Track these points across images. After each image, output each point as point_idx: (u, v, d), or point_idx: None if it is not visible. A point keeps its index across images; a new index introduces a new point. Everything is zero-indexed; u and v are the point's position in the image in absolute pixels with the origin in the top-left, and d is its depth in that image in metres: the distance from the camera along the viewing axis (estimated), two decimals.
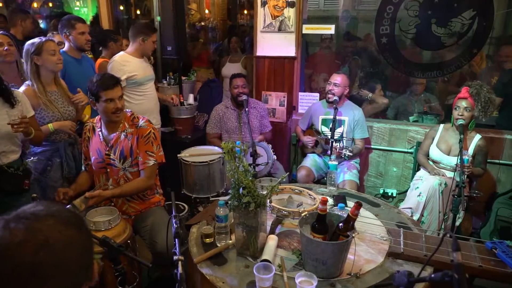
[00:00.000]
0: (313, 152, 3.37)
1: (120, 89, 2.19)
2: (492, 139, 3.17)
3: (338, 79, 3.18)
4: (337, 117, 3.20)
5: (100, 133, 2.30)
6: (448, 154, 2.84)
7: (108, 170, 2.29)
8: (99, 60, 3.54)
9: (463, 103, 2.70)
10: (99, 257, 0.91)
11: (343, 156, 2.93)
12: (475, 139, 2.78)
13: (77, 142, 2.60)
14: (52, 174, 2.49)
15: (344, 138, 3.19)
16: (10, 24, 3.87)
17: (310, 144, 3.28)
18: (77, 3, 6.55)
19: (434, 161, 2.94)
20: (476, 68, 3.76)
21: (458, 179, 2.34)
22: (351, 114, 3.24)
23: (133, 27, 3.22)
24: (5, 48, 2.63)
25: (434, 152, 2.90)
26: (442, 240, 1.11)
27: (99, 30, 4.23)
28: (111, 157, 2.26)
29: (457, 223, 2.62)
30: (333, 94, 3.17)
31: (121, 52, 3.21)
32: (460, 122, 2.67)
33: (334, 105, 3.11)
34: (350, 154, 2.91)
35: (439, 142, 2.91)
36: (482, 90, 2.66)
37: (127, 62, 3.11)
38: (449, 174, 2.83)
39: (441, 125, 2.95)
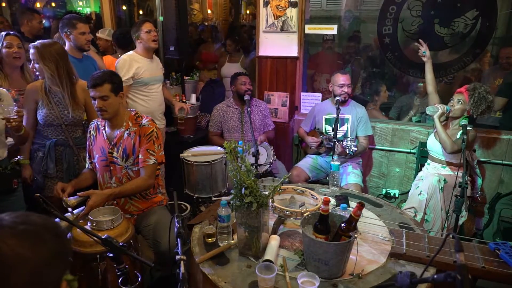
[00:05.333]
0: (317, 153, 3.36)
1: (103, 89, 2.12)
2: (495, 140, 3.16)
3: (346, 80, 3.17)
4: (342, 116, 3.21)
5: (104, 131, 2.30)
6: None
7: (111, 168, 2.30)
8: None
9: (458, 97, 2.77)
10: (73, 278, 0.86)
11: (348, 151, 2.93)
12: (460, 132, 2.77)
13: (71, 146, 2.57)
14: (34, 166, 2.54)
15: (348, 138, 3.18)
16: (20, 23, 3.90)
17: (314, 145, 3.28)
18: (80, 3, 6.57)
19: (428, 150, 2.97)
20: (485, 67, 3.74)
21: (461, 179, 2.34)
22: (354, 112, 3.24)
23: (133, 28, 3.22)
24: (14, 51, 2.65)
25: (430, 141, 2.93)
26: (445, 241, 1.11)
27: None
28: (114, 155, 2.27)
29: (460, 222, 2.62)
30: (347, 94, 3.18)
31: (130, 52, 3.21)
32: (450, 114, 2.77)
33: (337, 105, 3.10)
34: (355, 149, 2.91)
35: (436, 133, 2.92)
36: (480, 88, 2.70)
37: (134, 62, 3.11)
38: (441, 169, 2.84)
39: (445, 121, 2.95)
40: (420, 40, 3.02)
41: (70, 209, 2.02)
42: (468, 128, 2.62)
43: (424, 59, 3.00)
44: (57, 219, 1.50)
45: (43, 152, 2.52)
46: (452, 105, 2.78)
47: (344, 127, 3.26)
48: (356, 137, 3.29)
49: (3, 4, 5.25)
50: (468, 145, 2.71)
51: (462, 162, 2.41)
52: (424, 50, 2.99)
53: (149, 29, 3.13)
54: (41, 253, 0.81)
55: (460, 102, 2.74)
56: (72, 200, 2.04)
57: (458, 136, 2.74)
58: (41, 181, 2.54)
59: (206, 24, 6.87)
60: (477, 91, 2.68)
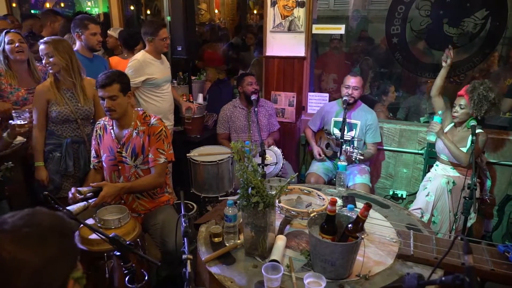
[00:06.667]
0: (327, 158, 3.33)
1: (112, 89, 2.14)
2: (504, 141, 3.12)
3: (355, 82, 3.11)
4: (350, 121, 3.18)
5: (112, 130, 2.32)
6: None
7: (120, 167, 2.31)
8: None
9: (460, 101, 2.72)
10: (80, 276, 0.87)
11: (353, 159, 2.90)
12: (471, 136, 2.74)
13: (85, 143, 2.62)
14: (51, 166, 2.56)
15: (355, 139, 3.16)
16: (42, 25, 3.94)
17: (318, 158, 3.26)
18: (89, 3, 6.61)
19: (437, 151, 2.94)
20: (495, 67, 3.70)
21: (469, 180, 2.32)
22: (363, 118, 3.20)
23: (145, 28, 3.20)
24: (16, 44, 2.70)
25: (439, 144, 2.88)
26: (453, 243, 1.10)
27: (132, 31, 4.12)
28: (123, 154, 2.28)
29: (469, 224, 2.59)
30: (353, 98, 3.13)
31: (142, 52, 3.18)
32: (455, 120, 2.75)
33: (344, 105, 3.08)
34: (361, 157, 2.88)
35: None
36: (478, 88, 2.62)
37: (148, 64, 3.11)
38: (450, 170, 2.82)
39: (453, 123, 2.92)
40: (449, 47, 2.88)
41: (81, 196, 2.04)
42: (478, 130, 2.59)
43: (444, 64, 2.89)
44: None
45: (59, 151, 2.54)
46: (456, 111, 2.73)
47: (352, 133, 3.22)
48: (364, 143, 3.26)
49: (14, 5, 5.30)
50: (479, 150, 2.68)
51: (471, 163, 2.38)
52: (448, 56, 2.86)
53: (165, 37, 3.12)
54: (44, 255, 0.81)
55: (462, 107, 2.69)
56: (85, 189, 2.07)
57: (468, 142, 2.70)
58: (58, 182, 2.56)
59: (213, 23, 6.89)
60: (476, 92, 2.61)
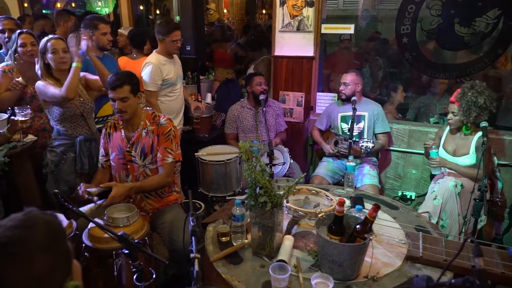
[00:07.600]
0: (335, 156, 3.32)
1: (123, 91, 2.14)
2: None
3: (347, 78, 3.19)
4: (358, 113, 3.19)
5: (122, 129, 2.33)
6: (454, 155, 2.78)
7: (129, 166, 2.33)
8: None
9: (452, 108, 2.71)
10: (75, 285, 0.86)
11: (365, 149, 2.91)
12: (475, 138, 2.71)
13: (96, 140, 2.65)
14: (65, 168, 2.56)
15: (364, 138, 3.14)
16: (56, 25, 4.00)
17: (331, 152, 3.26)
18: (99, 3, 6.67)
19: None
20: (502, 69, 3.64)
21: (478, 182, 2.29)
22: (370, 109, 3.22)
23: (159, 27, 3.19)
24: (28, 49, 2.72)
25: (440, 153, 2.86)
26: (464, 245, 1.09)
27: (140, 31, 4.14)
28: (132, 154, 2.29)
29: (479, 226, 2.55)
30: (344, 94, 3.21)
31: (154, 54, 3.17)
32: (452, 127, 2.78)
33: (353, 106, 3.08)
34: (372, 145, 2.88)
35: (445, 143, 2.87)
36: (467, 93, 2.59)
37: (162, 66, 3.11)
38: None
39: (448, 126, 2.88)
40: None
41: (95, 198, 2.05)
42: (480, 134, 2.56)
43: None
44: (63, 217, 1.52)
45: (72, 151, 2.56)
46: (450, 118, 2.73)
47: (361, 125, 3.23)
48: (374, 134, 3.26)
49: (26, 5, 5.37)
50: (490, 159, 2.66)
51: (481, 164, 2.35)
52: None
53: (177, 39, 3.11)
54: (32, 273, 0.78)
55: (455, 114, 2.69)
56: (95, 190, 2.09)
57: (471, 148, 2.68)
58: (73, 182, 2.56)
59: (222, 23, 6.90)
60: (464, 99, 2.59)
